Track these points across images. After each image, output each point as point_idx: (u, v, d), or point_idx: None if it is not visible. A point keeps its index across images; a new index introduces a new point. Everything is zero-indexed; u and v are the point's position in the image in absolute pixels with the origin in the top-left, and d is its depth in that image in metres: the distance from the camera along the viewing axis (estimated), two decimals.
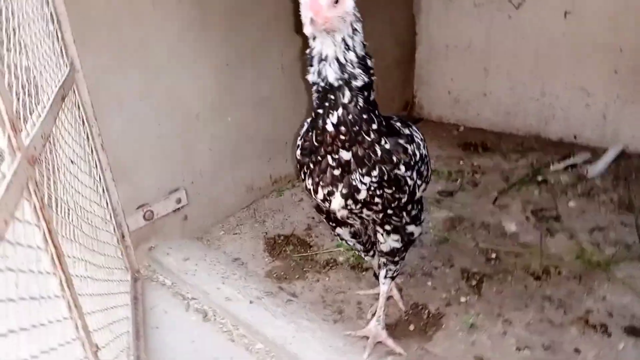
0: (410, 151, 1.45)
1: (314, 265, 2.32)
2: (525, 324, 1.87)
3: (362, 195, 1.40)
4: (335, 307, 2.04)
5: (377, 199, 1.42)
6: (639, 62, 2.89)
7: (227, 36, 2.51)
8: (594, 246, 2.27)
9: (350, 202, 1.41)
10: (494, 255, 2.28)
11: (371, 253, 1.90)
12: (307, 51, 1.34)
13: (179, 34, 2.30)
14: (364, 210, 1.45)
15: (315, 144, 1.37)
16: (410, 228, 1.64)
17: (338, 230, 1.78)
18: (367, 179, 1.38)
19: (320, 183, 1.42)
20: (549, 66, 3.25)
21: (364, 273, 2.24)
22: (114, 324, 1.66)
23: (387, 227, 1.60)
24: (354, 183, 1.38)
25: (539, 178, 2.91)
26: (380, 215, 1.50)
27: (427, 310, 1.98)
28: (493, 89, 3.57)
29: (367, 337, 1.79)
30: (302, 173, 1.50)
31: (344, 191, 1.39)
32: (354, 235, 1.80)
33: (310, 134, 1.40)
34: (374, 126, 1.35)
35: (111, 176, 2.10)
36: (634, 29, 2.85)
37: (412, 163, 1.45)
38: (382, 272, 1.79)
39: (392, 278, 1.81)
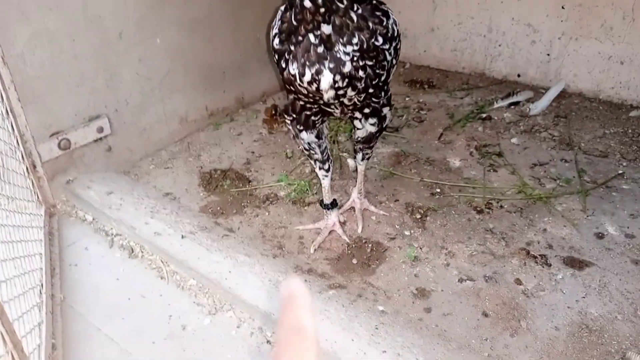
0: (385, 24, 1.44)
1: (253, 200, 2.18)
2: (468, 256, 1.84)
3: (347, 67, 1.38)
4: (275, 241, 1.92)
5: (360, 73, 1.41)
6: None
7: None
8: (535, 181, 2.27)
9: (338, 77, 1.39)
10: (438, 190, 2.23)
11: (326, 165, 1.86)
12: None
13: None
14: (348, 91, 1.43)
15: (295, 23, 1.33)
16: (385, 110, 1.68)
17: (303, 134, 1.72)
18: (349, 49, 1.37)
19: (307, 63, 1.38)
20: (498, 0, 3.15)
21: (306, 208, 2.13)
22: (23, 258, 1.46)
23: (366, 110, 1.62)
24: (338, 56, 1.36)
25: (483, 115, 2.88)
26: (362, 96, 1.49)
27: (370, 244, 1.91)
28: (441, 24, 3.45)
29: (353, 209, 2.01)
30: (282, 62, 1.45)
31: (331, 66, 1.37)
32: (318, 143, 1.76)
33: (288, 13, 1.37)
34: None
35: (16, 96, 1.82)
36: None
37: (389, 35, 1.45)
38: (360, 155, 1.90)
39: (368, 159, 1.93)
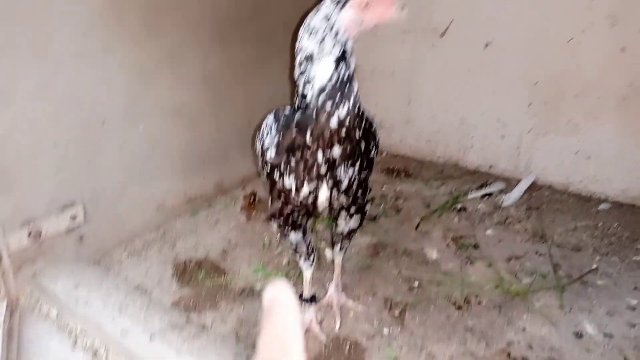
0: (374, 133, 1.54)
1: (228, 293, 2.12)
2: (449, 358, 1.79)
3: (345, 184, 1.46)
4: (249, 341, 1.85)
5: (355, 184, 1.49)
6: (551, 95, 3.03)
7: (144, 35, 2.28)
8: (512, 275, 2.28)
9: (334, 192, 1.44)
10: (416, 284, 2.21)
11: (311, 258, 1.87)
12: (322, 51, 1.34)
13: (87, 26, 2.03)
14: (341, 198, 1.49)
15: (308, 142, 1.36)
16: (367, 207, 1.74)
17: (291, 236, 1.74)
18: (350, 172, 1.44)
19: (306, 180, 1.41)
20: (469, 96, 3.33)
21: None
22: None
23: (352, 210, 1.67)
24: (338, 176, 1.43)
25: (458, 206, 2.93)
26: (351, 199, 1.54)
27: (348, 344, 1.84)
28: (416, 116, 3.60)
29: (330, 305, 1.97)
30: (276, 174, 1.48)
31: (330, 183, 1.42)
32: (305, 240, 1.79)
33: (291, 131, 1.39)
34: (363, 118, 1.40)
35: None
36: (547, 63, 2.99)
37: (376, 141, 1.57)
38: (338, 246, 1.91)
39: (346, 250, 1.96)
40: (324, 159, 1.38)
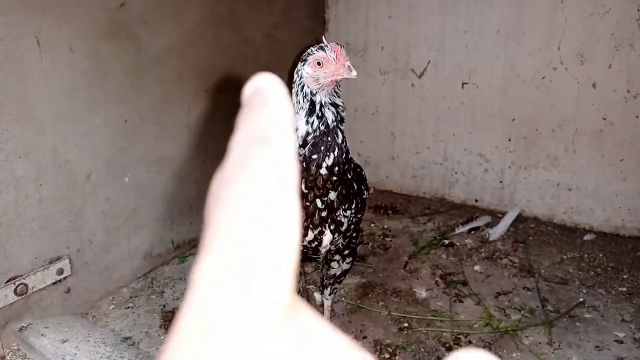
0: (365, 178, 1.64)
1: None
2: None
3: (344, 226, 1.53)
4: None
5: (352, 226, 1.58)
6: (529, 130, 3.12)
7: (127, 92, 2.33)
8: (501, 312, 2.29)
9: (336, 235, 1.53)
10: (406, 324, 2.21)
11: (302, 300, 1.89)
12: (298, 103, 1.42)
13: (71, 86, 2.09)
14: (340, 240, 1.56)
15: (305, 191, 1.43)
16: (357, 249, 1.81)
17: None
18: (348, 213, 1.52)
19: (310, 226, 1.48)
20: (450, 132, 3.41)
21: None
22: None
23: (346, 252, 1.73)
24: (338, 218, 1.50)
25: (446, 242, 2.96)
26: (347, 241, 1.62)
27: None
28: (400, 153, 3.67)
29: None
30: None
31: (332, 227, 1.51)
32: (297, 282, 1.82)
33: None
34: (351, 164, 1.51)
35: None
36: (522, 101, 3.09)
37: (367, 185, 1.68)
38: (328, 290, 1.95)
39: (335, 293, 2.01)
40: (323, 204, 1.46)
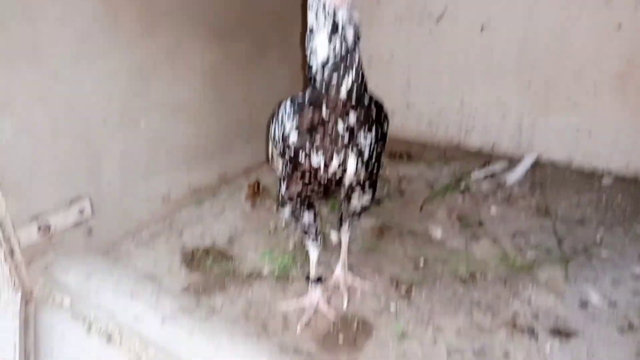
0: (385, 112, 1.61)
1: (236, 277, 2.15)
2: (456, 330, 1.81)
3: (366, 154, 1.52)
4: (259, 321, 1.88)
5: (373, 156, 1.55)
6: (550, 74, 3.04)
7: (141, 36, 2.30)
8: (517, 250, 2.30)
9: (359, 163, 1.52)
10: (422, 262, 2.23)
11: (318, 240, 1.93)
12: (318, 24, 1.37)
13: (83, 31, 2.05)
14: (362, 171, 1.57)
15: (325, 117, 1.42)
16: (378, 184, 1.81)
17: (306, 217, 1.81)
18: (369, 139, 1.49)
19: (335, 152, 1.48)
20: (468, 78, 3.34)
21: (290, 284, 2.10)
22: None
23: (366, 186, 1.71)
24: (359, 145, 1.49)
25: (462, 186, 2.95)
26: (367, 174, 1.61)
27: (356, 321, 1.87)
28: (415, 101, 3.62)
29: (338, 286, 2.03)
30: (301, 156, 1.53)
31: (355, 153, 1.50)
32: (315, 220, 1.86)
33: (307, 111, 1.46)
34: (367, 89, 1.47)
35: None
36: (544, 43, 3.00)
37: (388, 120, 1.63)
38: (346, 226, 1.97)
39: (354, 229, 2.01)
40: (344, 127, 1.44)
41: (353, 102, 1.41)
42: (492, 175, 3.05)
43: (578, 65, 2.94)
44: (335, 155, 1.49)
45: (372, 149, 1.53)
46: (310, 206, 1.79)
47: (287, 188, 1.69)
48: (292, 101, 1.56)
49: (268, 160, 1.91)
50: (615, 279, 2.06)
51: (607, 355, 1.66)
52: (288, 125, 1.53)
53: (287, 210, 1.80)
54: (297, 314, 1.91)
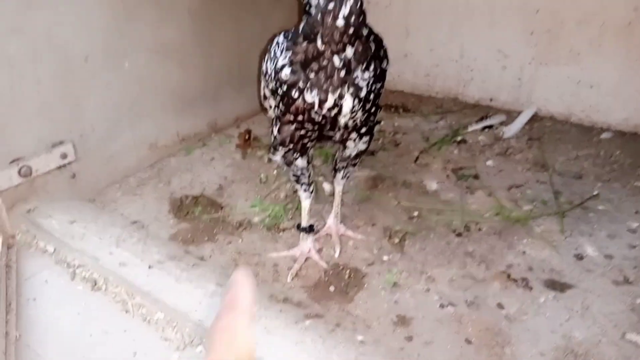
0: (384, 47, 1.52)
1: (225, 226, 2.09)
2: (449, 280, 1.79)
3: (364, 92, 1.42)
4: (249, 269, 1.83)
5: (371, 96, 1.46)
6: (553, 23, 2.92)
7: None
8: (512, 203, 2.26)
9: (356, 101, 1.43)
10: (416, 213, 2.19)
11: (311, 188, 1.86)
12: None
13: None
14: (359, 113, 1.48)
15: (320, 48, 1.33)
16: (375, 128, 1.72)
17: (298, 162, 1.71)
18: (367, 75, 1.40)
19: (330, 89, 1.38)
20: (468, 27, 3.21)
21: (280, 234, 2.05)
22: None
23: (363, 130, 1.63)
24: (356, 82, 1.39)
25: (458, 138, 2.88)
26: (365, 115, 1.52)
27: (348, 271, 1.84)
28: (413, 50, 3.49)
29: (330, 235, 1.99)
30: (294, 92, 1.43)
31: (351, 90, 1.40)
32: (308, 167, 1.78)
33: (301, 45, 1.37)
34: (366, 20, 1.35)
35: None
36: None
37: (387, 57, 1.54)
38: (340, 174, 1.89)
39: (348, 178, 1.93)
40: (340, 62, 1.35)
41: (350, 33, 1.30)
42: (489, 128, 2.98)
43: (583, 13, 2.81)
44: (330, 93, 1.39)
45: (370, 88, 1.43)
46: (303, 151, 1.68)
47: (279, 130, 1.59)
48: (286, 34, 1.45)
49: (261, 103, 1.82)
50: (612, 233, 2.03)
51: (602, 308, 1.64)
52: (281, 60, 1.43)
53: (278, 155, 1.71)
54: (287, 263, 1.87)
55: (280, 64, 1.43)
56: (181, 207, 2.21)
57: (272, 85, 1.51)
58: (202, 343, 1.50)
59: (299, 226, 1.92)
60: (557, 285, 1.76)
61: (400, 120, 3.16)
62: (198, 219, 2.13)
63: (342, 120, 1.49)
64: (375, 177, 2.48)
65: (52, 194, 2.11)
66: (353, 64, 1.37)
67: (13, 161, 1.94)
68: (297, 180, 1.82)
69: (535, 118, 3.07)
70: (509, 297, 1.71)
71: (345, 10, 1.27)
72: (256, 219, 2.14)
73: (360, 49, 1.35)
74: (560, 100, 3.06)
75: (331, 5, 1.27)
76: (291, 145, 1.63)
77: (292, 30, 1.45)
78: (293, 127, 1.55)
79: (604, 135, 2.87)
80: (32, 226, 1.98)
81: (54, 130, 2.06)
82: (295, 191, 1.95)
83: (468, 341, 1.54)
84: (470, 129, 2.97)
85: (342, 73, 1.36)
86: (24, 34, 1.86)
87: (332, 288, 1.76)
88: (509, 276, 1.80)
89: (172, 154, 2.66)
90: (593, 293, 1.71)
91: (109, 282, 1.71)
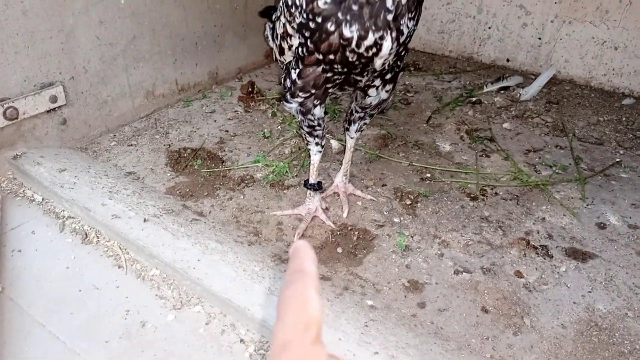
0: None
1: (226, 182, 1.97)
2: (463, 246, 1.68)
3: (404, 37, 1.28)
4: (250, 227, 1.72)
5: (408, 41, 1.34)
6: None
7: None
8: (530, 167, 2.13)
9: (394, 46, 1.27)
10: (428, 175, 2.06)
11: (323, 141, 1.70)
12: None
13: None
14: (392, 56, 1.33)
15: None
16: (399, 75, 1.57)
17: (317, 110, 1.53)
18: (411, 23, 1.28)
19: (373, 27, 1.21)
20: None
21: (285, 191, 1.93)
22: None
23: (388, 76, 1.49)
24: (401, 27, 1.25)
25: (473, 99, 2.73)
26: (395, 59, 1.39)
27: (357, 232, 1.72)
28: (428, 3, 3.28)
29: (337, 194, 1.87)
30: (330, 25, 1.24)
31: (394, 35, 1.24)
32: (324, 116, 1.62)
33: None
34: None
35: None
36: None
37: None
38: (354, 127, 1.75)
39: (362, 131, 1.80)
40: (393, 5, 1.19)
41: None
42: (505, 90, 2.82)
43: None
44: (371, 33, 1.22)
45: (408, 35, 1.29)
46: (323, 98, 1.51)
47: (300, 74, 1.42)
48: None
49: (271, 50, 1.64)
50: (636, 202, 1.91)
51: (627, 280, 1.55)
52: None
53: (295, 103, 1.51)
54: (292, 222, 1.76)
55: None
56: (179, 160, 2.08)
57: (300, 18, 1.29)
58: (200, 303, 1.40)
59: (306, 183, 1.78)
60: (578, 255, 1.65)
61: (412, 78, 2.99)
62: (197, 173, 2.00)
63: (377, 63, 1.31)
64: (385, 136, 2.34)
65: (40, 140, 1.97)
66: (403, 9, 1.21)
67: None
68: (311, 133, 1.64)
69: (553, 81, 2.90)
70: (527, 265, 1.60)
71: None
72: (259, 175, 2.01)
73: None
74: (581, 63, 2.89)
75: None
76: (313, 91, 1.45)
77: None
78: (320, 68, 1.37)
79: (626, 101, 2.72)
80: (19, 173, 1.85)
81: (43, 69, 1.90)
82: (301, 148, 1.81)
83: (485, 310, 1.44)
84: (485, 89, 2.81)
85: (390, 16, 1.20)
86: None
87: (339, 250, 1.65)
88: (527, 243, 1.69)
89: (169, 104, 2.51)
90: (616, 264, 1.61)
91: (101, 235, 1.59)
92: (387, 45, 1.24)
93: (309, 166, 1.75)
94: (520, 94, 2.76)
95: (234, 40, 2.77)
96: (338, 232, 1.72)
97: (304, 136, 1.68)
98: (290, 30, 1.37)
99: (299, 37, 1.34)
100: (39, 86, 1.90)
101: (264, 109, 2.54)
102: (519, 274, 1.57)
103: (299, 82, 1.43)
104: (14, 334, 1.30)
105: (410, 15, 1.24)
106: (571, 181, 2.03)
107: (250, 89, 2.63)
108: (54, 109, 1.97)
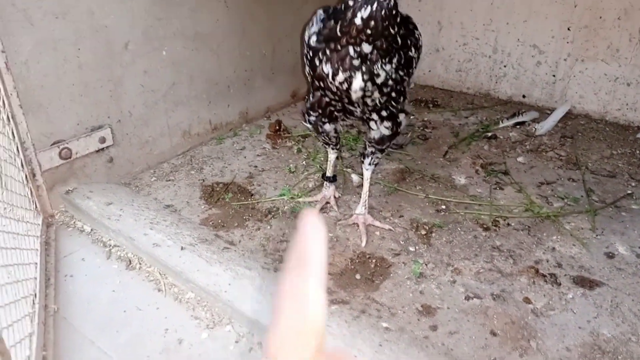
0: (416, 35, 1.60)
1: (254, 213, 2.14)
2: (475, 273, 1.79)
3: (381, 79, 1.49)
4: (277, 255, 1.87)
5: (390, 82, 1.52)
6: (592, 19, 2.86)
7: None
8: (543, 199, 2.23)
9: (369, 84, 1.50)
10: (443, 207, 2.19)
11: (338, 146, 2.03)
12: None
13: None
14: (375, 93, 1.54)
15: (338, 34, 1.43)
16: (401, 117, 1.78)
17: (326, 126, 1.86)
18: (388, 67, 1.47)
19: (340, 68, 1.48)
20: (503, 20, 3.17)
21: None
22: (17, 266, 1.41)
23: (384, 113, 1.69)
24: (375, 71, 1.46)
25: (489, 134, 2.86)
26: (384, 98, 1.59)
27: (374, 260, 1.86)
28: (446, 44, 3.46)
29: (357, 224, 2.01)
30: (317, 60, 1.56)
31: (365, 77, 1.48)
32: (335, 132, 1.93)
33: (331, 22, 1.49)
34: (398, 19, 1.43)
35: (19, 103, 1.80)
36: None
37: (417, 45, 1.62)
38: (368, 160, 1.95)
39: (375, 165, 1.99)
40: (355, 53, 1.43)
41: (369, 33, 1.38)
42: (521, 125, 2.94)
43: (623, 8, 2.75)
44: (340, 72, 1.49)
45: (389, 75, 1.50)
46: (331, 118, 1.81)
47: (311, 95, 1.75)
48: (326, 8, 1.59)
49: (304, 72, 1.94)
50: None
51: (632, 307, 1.62)
52: (313, 28, 1.57)
53: (310, 121, 1.86)
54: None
55: (312, 31, 1.57)
56: (212, 194, 2.27)
57: (306, 50, 1.63)
58: (230, 323, 1.55)
59: (323, 175, 2.17)
60: (586, 282, 1.74)
61: (430, 115, 3.14)
62: (228, 206, 2.18)
63: (353, 96, 1.56)
64: (403, 170, 2.48)
65: (89, 177, 2.19)
66: (373, 57, 1.44)
67: (54, 143, 2.02)
68: (327, 143, 2.00)
69: (569, 116, 3.01)
70: (536, 292, 1.70)
71: (364, 13, 1.36)
72: (285, 208, 2.18)
73: (384, 46, 1.42)
74: (595, 98, 3.00)
75: (351, 3, 1.37)
76: (320, 111, 1.78)
77: (333, 7, 1.57)
78: (319, 93, 1.68)
79: None
80: (70, 206, 2.06)
81: (94, 114, 2.14)
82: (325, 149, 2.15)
83: (493, 333, 1.54)
84: (501, 125, 2.94)
85: (356, 62, 1.44)
86: (68, 18, 1.93)
87: (358, 276, 1.78)
88: (537, 271, 1.79)
89: (204, 142, 2.73)
90: (623, 291, 1.69)
91: (143, 262, 1.77)
92: (357, 82, 1.50)
93: (327, 162, 2.12)
94: (535, 129, 2.88)
95: (263, 83, 3.00)
96: (357, 260, 1.86)
97: (322, 145, 2.09)
98: (304, 60, 1.72)
99: (307, 65, 1.67)
100: (90, 129, 2.14)
101: (290, 146, 2.73)
102: (527, 300, 1.66)
103: (310, 102, 1.78)
104: (67, 350, 1.47)
105: (384, 61, 1.45)
106: (582, 212, 2.12)
107: (277, 127, 2.83)
108: (103, 148, 2.20)
